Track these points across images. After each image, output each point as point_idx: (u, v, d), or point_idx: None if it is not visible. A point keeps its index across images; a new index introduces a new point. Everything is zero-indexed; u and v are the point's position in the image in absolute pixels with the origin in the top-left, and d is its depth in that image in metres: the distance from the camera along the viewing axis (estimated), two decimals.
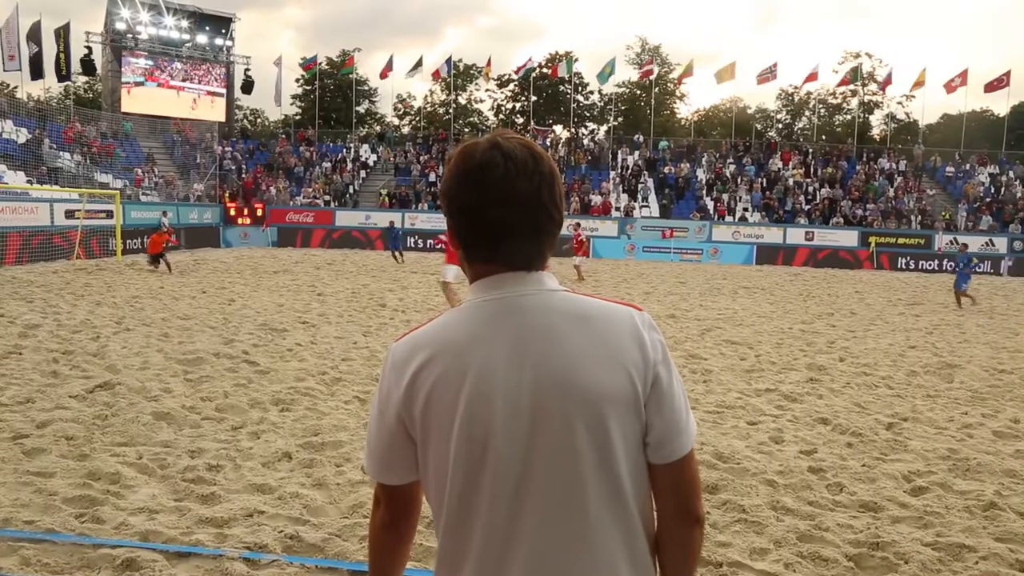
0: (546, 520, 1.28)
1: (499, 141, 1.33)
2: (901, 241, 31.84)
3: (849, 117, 52.59)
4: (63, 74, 35.87)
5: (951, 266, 30.72)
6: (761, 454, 5.92)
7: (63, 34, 34.95)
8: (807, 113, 55.44)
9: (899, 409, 7.47)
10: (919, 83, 40.94)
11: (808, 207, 34.73)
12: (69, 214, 23.26)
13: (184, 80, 40.01)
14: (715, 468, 5.50)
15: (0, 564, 3.83)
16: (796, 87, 52.17)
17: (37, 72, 34.06)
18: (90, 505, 4.61)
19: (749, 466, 5.56)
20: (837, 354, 10.51)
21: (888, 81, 43.30)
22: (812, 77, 42.66)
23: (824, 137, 51.48)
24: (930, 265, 30.78)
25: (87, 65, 36.96)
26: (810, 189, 36.12)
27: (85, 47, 36.76)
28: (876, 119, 55.13)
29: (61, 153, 29.13)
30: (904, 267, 30.87)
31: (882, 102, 53.65)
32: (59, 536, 4.16)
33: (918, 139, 44.72)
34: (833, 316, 14.87)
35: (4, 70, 33.46)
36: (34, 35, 33.52)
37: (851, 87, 49.29)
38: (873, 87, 52.19)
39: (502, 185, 1.29)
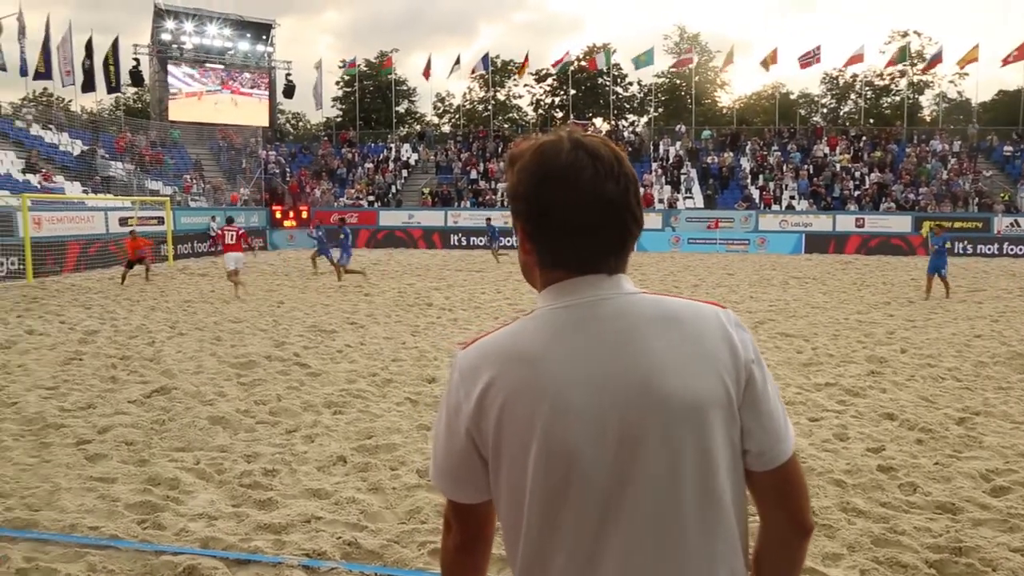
0: (638, 542, 1.19)
1: (582, 140, 1.25)
2: (958, 225, 30.78)
3: (898, 98, 51.13)
4: (113, 86, 36.81)
5: (1012, 250, 29.76)
6: (826, 452, 5.72)
7: (113, 48, 35.86)
8: (853, 96, 54.07)
9: (969, 403, 7.15)
10: (971, 59, 39.53)
11: (857, 193, 33.86)
12: (123, 222, 23.80)
13: (228, 87, 40.67)
14: None
15: (68, 570, 3.87)
16: (841, 70, 50.91)
17: (90, 85, 35.04)
18: (151, 511, 4.64)
19: (814, 465, 5.37)
20: (898, 345, 10.16)
21: (938, 59, 41.90)
22: (857, 59, 41.52)
23: (872, 120, 50.12)
24: (990, 249, 29.74)
25: (135, 76, 37.82)
26: (858, 174, 35.21)
27: (133, 59, 37.65)
28: (926, 99, 53.54)
29: (113, 163, 29.85)
30: (961, 252, 29.88)
31: (932, 81, 52.04)
32: (123, 543, 4.19)
33: (972, 118, 43.21)
34: (890, 305, 14.42)
35: (62, 85, 34.46)
36: (88, 50, 34.49)
37: (899, 67, 47.89)
38: (922, 66, 50.67)
39: (591, 187, 1.22)
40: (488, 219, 28.74)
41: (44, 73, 33.02)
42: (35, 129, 29.76)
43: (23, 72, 32.54)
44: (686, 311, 1.25)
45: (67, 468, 5.38)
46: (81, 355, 9.32)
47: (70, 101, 43.06)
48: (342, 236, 19.22)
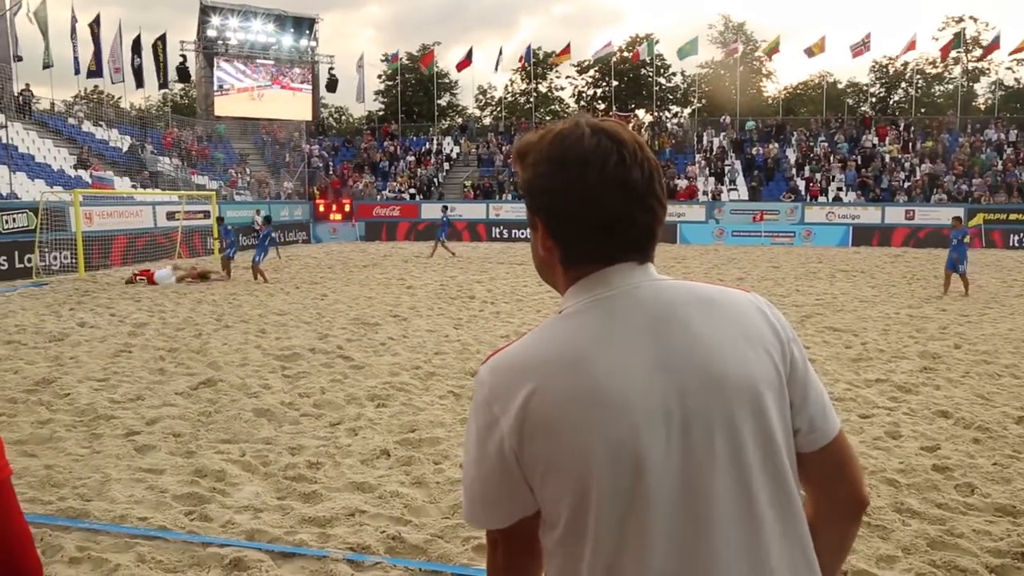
0: (722, 530, 1.11)
1: (602, 125, 1.19)
2: (1013, 217, 29.80)
3: (951, 87, 49.67)
4: (161, 82, 37.58)
5: None
6: (878, 450, 5.56)
7: (160, 45, 36.60)
8: (904, 85, 52.64)
9: None
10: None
11: (907, 184, 32.97)
12: (170, 216, 24.30)
13: (272, 81, 41.22)
14: None
15: (118, 560, 3.93)
16: (891, 58, 49.56)
17: (139, 82, 35.81)
18: (198, 503, 4.70)
19: (866, 463, 5.22)
20: (952, 341, 9.86)
21: (995, 45, 40.51)
22: (910, 46, 40.38)
23: (923, 110, 48.75)
24: None
25: (182, 72, 38.55)
26: (908, 165, 34.29)
27: (180, 55, 38.39)
28: (981, 87, 51.88)
29: (161, 158, 30.48)
30: (1017, 245, 28.94)
31: (988, 69, 50.39)
32: (171, 534, 4.25)
33: None
34: (942, 299, 14.01)
35: (111, 83, 35.30)
36: (136, 48, 35.27)
37: (953, 54, 46.46)
38: (978, 53, 49.09)
39: (617, 174, 1.15)
40: (444, 207, 28.51)
41: (95, 71, 33.83)
42: (86, 126, 30.53)
43: (76, 70, 33.37)
44: (720, 294, 1.21)
45: (117, 459, 5.48)
46: (130, 347, 9.51)
47: (119, 98, 44.19)
48: (260, 234, 18.46)
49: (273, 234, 18.20)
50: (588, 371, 1.12)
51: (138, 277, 16.80)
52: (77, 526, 4.35)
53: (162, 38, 36.78)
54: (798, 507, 1.17)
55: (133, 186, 26.79)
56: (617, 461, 1.10)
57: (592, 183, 1.15)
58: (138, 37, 35.63)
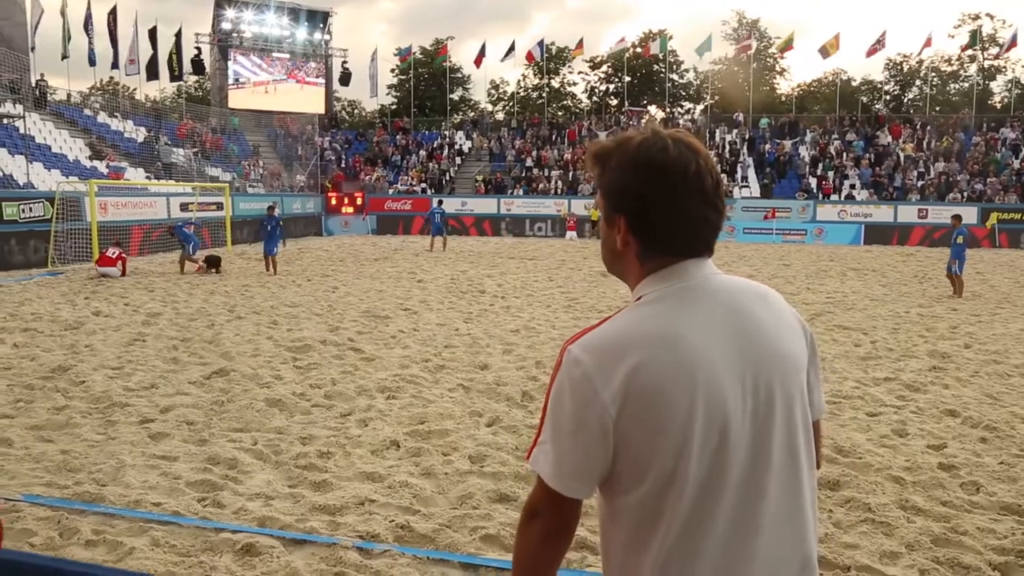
0: (781, 488, 1.33)
1: (681, 137, 1.38)
2: None
3: (967, 85, 49.24)
4: (175, 74, 37.76)
5: None
6: (884, 448, 5.58)
7: (176, 37, 36.79)
8: (918, 83, 52.24)
9: None
10: None
11: (921, 183, 32.76)
12: (184, 207, 24.45)
13: (285, 74, 41.33)
14: (835, 463, 5.22)
15: (133, 544, 4.01)
16: (906, 56, 49.21)
17: (153, 74, 36.00)
18: (211, 489, 4.78)
19: (872, 461, 5.25)
20: (962, 340, 9.84)
21: (1013, 43, 40.13)
22: (926, 44, 40.07)
23: (938, 108, 48.36)
24: None
25: (197, 65, 38.70)
26: (922, 163, 34.06)
27: (195, 48, 38.51)
28: (998, 85, 51.36)
29: (175, 149, 30.65)
30: None
31: (1005, 67, 49.92)
32: (184, 519, 4.33)
33: None
34: (953, 298, 13.95)
35: (126, 74, 35.52)
36: (151, 40, 35.46)
37: (968, 52, 46.07)
38: (995, 51, 48.63)
39: (697, 181, 1.35)
40: (440, 202, 27.80)
41: (112, 63, 34.04)
42: (102, 117, 30.74)
43: (91, 62, 33.59)
44: (766, 290, 1.46)
45: (132, 445, 5.57)
46: (144, 336, 9.62)
47: (134, 89, 44.41)
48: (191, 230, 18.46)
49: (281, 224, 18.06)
50: (685, 346, 1.30)
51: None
52: (93, 510, 4.44)
53: (177, 31, 36.97)
54: (814, 463, 1.43)
55: (147, 177, 26.95)
56: (711, 421, 1.29)
57: (676, 188, 1.34)
58: (154, 29, 35.82)
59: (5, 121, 24.17)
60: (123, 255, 16.90)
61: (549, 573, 1.43)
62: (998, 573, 3.77)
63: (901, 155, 34.74)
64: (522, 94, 56.40)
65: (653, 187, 1.34)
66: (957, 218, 15.00)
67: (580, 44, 43.75)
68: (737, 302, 1.37)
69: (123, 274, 16.55)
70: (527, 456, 1.41)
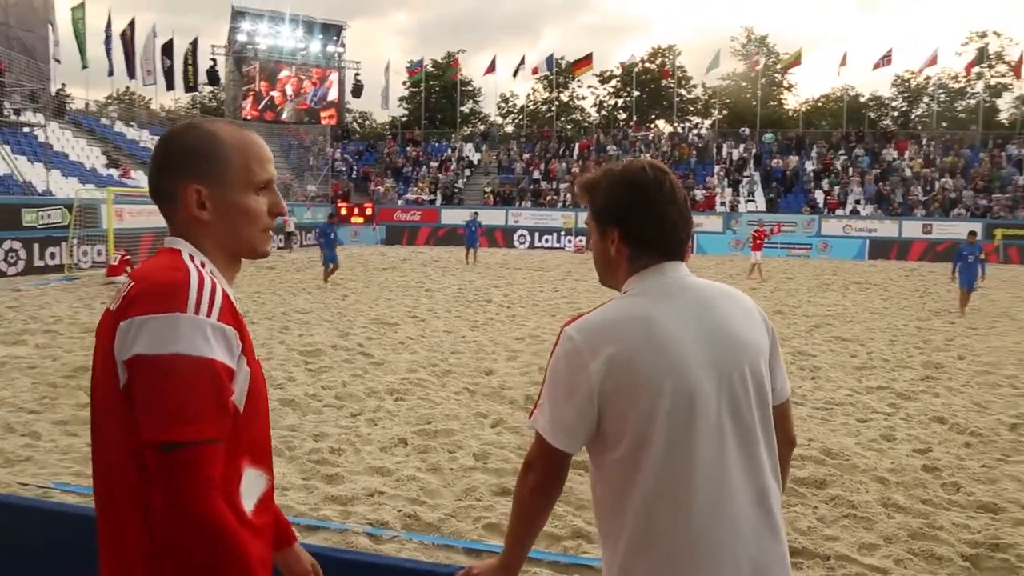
0: (741, 446, 1.59)
1: (652, 163, 1.71)
2: None
3: (973, 102, 49.42)
4: (191, 85, 38.38)
5: None
6: (872, 451, 5.82)
7: (192, 49, 37.42)
8: (925, 99, 52.44)
9: None
10: None
11: (926, 198, 32.94)
12: None
13: (299, 86, 41.92)
14: (823, 464, 5.46)
15: None
16: (913, 72, 49.44)
17: (169, 84, 36.63)
18: None
19: (859, 463, 5.50)
20: (956, 352, 10.07)
21: (1020, 61, 40.35)
22: (931, 61, 40.35)
23: (944, 124, 48.54)
24: None
25: (212, 76, 39.34)
26: (928, 179, 34.24)
27: (210, 59, 39.20)
28: (1004, 102, 51.53)
29: None
30: None
31: (1012, 84, 50.08)
32: None
33: None
34: (952, 312, 14.16)
35: (144, 84, 36.10)
36: (167, 51, 36.08)
37: (976, 69, 46.28)
38: (1002, 68, 48.86)
39: (671, 196, 1.67)
40: (475, 214, 27.00)
41: (129, 73, 34.66)
42: (118, 126, 31.28)
43: (110, 72, 34.19)
44: (733, 290, 1.74)
45: None
46: None
47: (150, 100, 45.07)
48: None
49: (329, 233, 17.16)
50: (657, 328, 1.57)
51: None
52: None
53: (193, 43, 37.59)
54: (773, 437, 1.67)
55: None
56: (677, 391, 1.55)
57: (656, 201, 1.65)
58: (170, 41, 36.45)
59: (26, 130, 24.69)
60: (127, 259, 17.27)
61: (540, 517, 1.72)
62: (968, 563, 4.02)
63: (907, 170, 34.93)
64: (531, 107, 56.88)
65: (638, 200, 1.65)
66: (973, 233, 15.15)
67: (587, 59, 44.11)
68: (705, 297, 1.65)
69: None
70: (529, 416, 1.68)
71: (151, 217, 23.20)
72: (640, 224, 1.66)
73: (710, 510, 1.54)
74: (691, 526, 1.54)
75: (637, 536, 1.57)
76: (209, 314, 1.29)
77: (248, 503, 1.37)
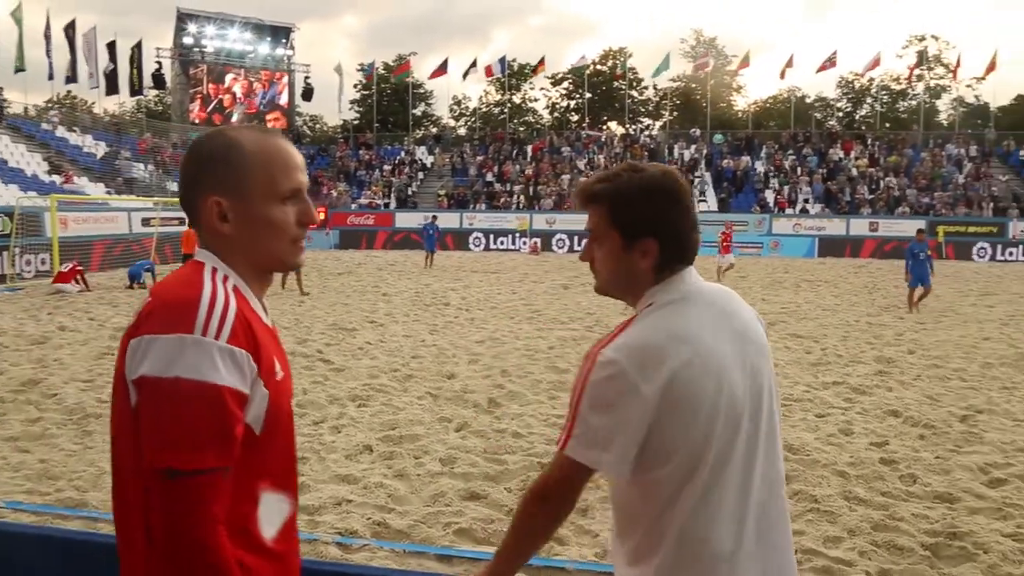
0: (767, 440, 1.63)
1: (667, 169, 1.69)
2: (972, 230, 30.79)
3: (914, 103, 51.01)
4: (136, 89, 37.46)
5: (1015, 254, 29.55)
6: (831, 446, 5.96)
7: (136, 51, 36.51)
8: (869, 100, 53.97)
9: (973, 401, 7.37)
10: (991, 68, 39.47)
11: (872, 197, 33.88)
12: (145, 222, 24.29)
13: (247, 89, 41.25)
14: (785, 460, 5.46)
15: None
16: (858, 74, 50.83)
17: (113, 88, 35.67)
18: None
19: (819, 457, 5.62)
20: (906, 346, 10.36)
21: (958, 65, 41.81)
22: (874, 64, 41.52)
23: (887, 125, 50.00)
24: (1005, 254, 29.74)
25: (158, 79, 38.47)
26: (874, 178, 35.22)
27: (156, 62, 38.35)
28: (944, 104, 53.34)
29: (136, 164, 30.39)
30: (976, 256, 29.90)
31: (950, 86, 51.87)
32: None
33: (989, 123, 43.07)
34: (900, 308, 14.57)
35: (88, 88, 35.14)
36: (111, 54, 35.13)
37: (917, 71, 47.80)
38: (940, 71, 50.53)
39: (692, 203, 1.69)
40: (434, 217, 26.77)
41: (70, 76, 33.67)
42: (60, 131, 30.36)
43: (50, 76, 33.18)
44: (731, 291, 1.75)
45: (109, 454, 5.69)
46: (113, 350, 9.66)
47: (93, 103, 43.85)
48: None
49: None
50: (702, 345, 1.56)
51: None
52: (77, 515, 4.57)
53: (138, 45, 36.70)
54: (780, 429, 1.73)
55: (108, 192, 26.70)
56: (731, 407, 1.56)
57: (689, 209, 1.65)
58: (113, 43, 35.52)
59: None
60: (79, 269, 16.80)
61: (544, 542, 1.72)
62: (929, 552, 4.14)
63: (854, 170, 35.86)
64: (484, 110, 56.91)
65: (673, 210, 1.62)
66: (921, 232, 15.19)
67: (542, 62, 44.39)
68: (724, 303, 1.66)
69: (87, 289, 16.45)
70: (561, 446, 1.57)
71: (98, 224, 22.62)
72: (676, 234, 1.63)
73: (740, 517, 1.56)
74: (732, 536, 1.54)
75: (679, 551, 1.55)
76: (218, 335, 1.24)
77: (268, 529, 1.33)
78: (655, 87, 54.30)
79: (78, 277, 16.58)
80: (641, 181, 1.63)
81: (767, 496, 1.61)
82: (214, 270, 1.37)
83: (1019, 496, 4.93)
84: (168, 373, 1.21)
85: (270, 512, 1.34)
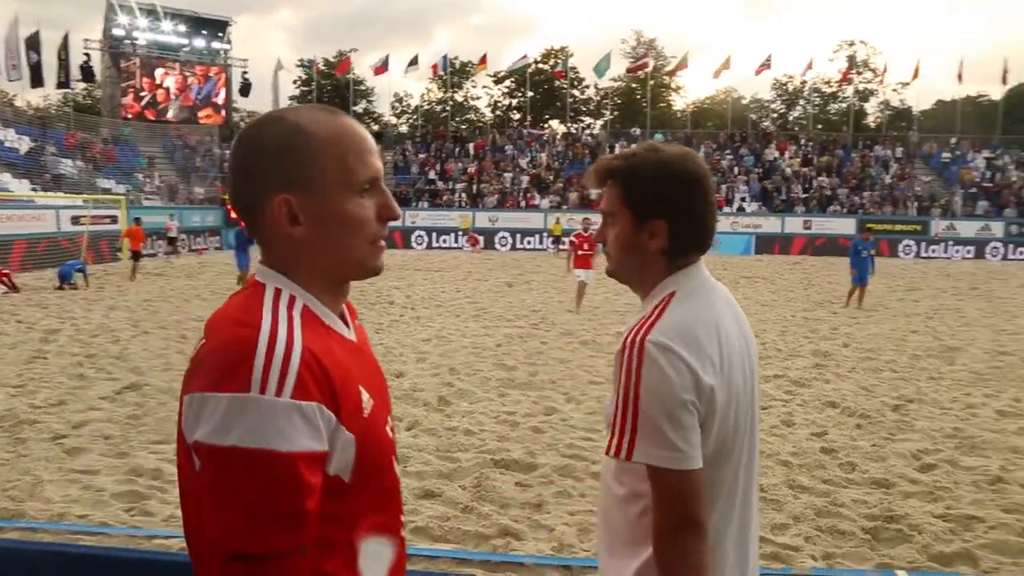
0: (753, 435, 1.63)
1: (688, 152, 1.61)
2: (898, 228, 32.08)
3: (845, 105, 52.80)
4: (62, 82, 36.02)
5: (959, 252, 30.93)
6: (774, 437, 6.15)
7: (63, 43, 35.11)
8: (802, 102, 55.63)
9: (904, 391, 7.70)
10: (916, 75, 41.19)
11: (805, 196, 34.95)
12: (75, 220, 23.43)
13: (182, 83, 40.14)
14: None
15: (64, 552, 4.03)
16: (791, 76, 52.37)
17: (37, 81, 34.23)
18: (137, 499, 4.81)
19: (764, 448, 5.78)
20: (841, 340, 10.74)
21: (885, 70, 43.45)
22: (808, 67, 42.85)
23: (820, 126, 51.61)
24: (928, 251, 31.06)
25: (86, 72, 37.09)
26: (807, 178, 36.33)
27: (84, 54, 36.92)
28: (871, 107, 55.32)
29: (63, 160, 29.27)
30: (901, 253, 31.14)
31: (877, 89, 53.82)
32: (114, 528, 4.37)
33: (913, 126, 44.89)
34: (834, 303, 15.09)
35: (9, 80, 33.62)
36: (33, 44, 33.68)
37: (848, 75, 49.50)
38: (868, 75, 52.40)
39: (712, 188, 1.62)
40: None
41: None
42: None
43: None
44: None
45: (47, 462, 5.50)
46: (44, 354, 9.32)
47: (15, 96, 42.02)
48: None
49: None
50: (729, 336, 1.53)
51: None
52: (13, 525, 4.40)
53: (65, 36, 35.32)
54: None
55: (33, 189, 25.65)
56: (744, 391, 1.55)
57: (708, 194, 1.58)
58: (36, 33, 34.06)
59: None
60: (5, 272, 16.15)
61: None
62: (868, 536, 4.32)
63: (788, 170, 36.92)
64: (426, 107, 56.61)
65: (692, 194, 1.55)
66: (868, 230, 15.45)
67: (484, 59, 44.40)
68: (726, 294, 1.63)
69: (14, 290, 15.81)
70: (627, 456, 1.42)
71: (23, 223, 21.73)
72: (691, 220, 1.56)
73: (731, 502, 1.56)
74: (726, 520, 1.53)
75: None
76: (279, 391, 1.03)
77: None
78: (596, 87, 54.92)
79: (4, 279, 15.92)
80: (657, 161, 1.56)
81: (749, 483, 1.64)
82: (277, 293, 1.16)
83: (948, 480, 5.18)
84: (225, 441, 1.01)
85: (370, 561, 1.17)
